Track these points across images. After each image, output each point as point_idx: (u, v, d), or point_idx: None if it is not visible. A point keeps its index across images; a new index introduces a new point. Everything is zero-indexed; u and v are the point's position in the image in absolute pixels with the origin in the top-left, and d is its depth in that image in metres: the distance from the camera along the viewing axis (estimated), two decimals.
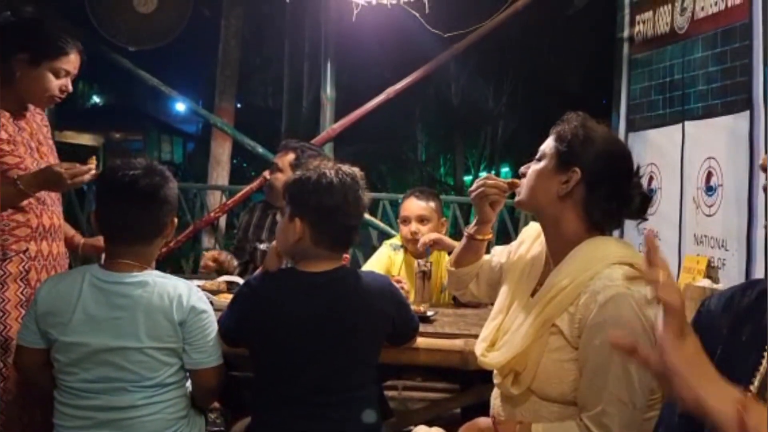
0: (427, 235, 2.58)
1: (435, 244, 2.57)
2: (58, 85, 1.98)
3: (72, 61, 2.00)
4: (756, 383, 0.85)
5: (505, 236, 4.38)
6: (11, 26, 1.96)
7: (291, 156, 2.84)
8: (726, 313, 0.96)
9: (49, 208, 2.03)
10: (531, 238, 1.64)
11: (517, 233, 3.44)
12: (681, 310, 0.75)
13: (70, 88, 2.04)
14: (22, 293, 1.91)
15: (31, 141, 2.01)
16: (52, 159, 2.10)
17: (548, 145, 1.50)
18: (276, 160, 2.90)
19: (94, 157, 1.96)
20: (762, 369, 0.86)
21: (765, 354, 0.87)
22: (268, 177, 2.91)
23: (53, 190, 2.01)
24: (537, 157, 1.52)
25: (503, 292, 1.64)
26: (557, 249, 1.48)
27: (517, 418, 1.48)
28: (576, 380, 1.39)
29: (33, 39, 1.95)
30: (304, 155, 2.77)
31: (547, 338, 1.42)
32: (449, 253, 2.57)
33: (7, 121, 1.93)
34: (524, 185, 1.52)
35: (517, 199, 1.56)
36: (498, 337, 1.56)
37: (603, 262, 1.38)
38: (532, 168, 1.51)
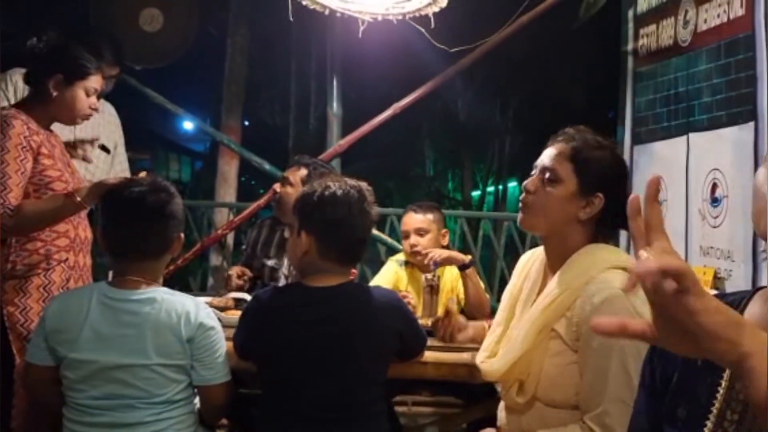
0: (436, 251, 2.59)
1: (444, 262, 2.58)
2: (88, 103, 2.12)
3: (98, 81, 2.15)
4: (714, 411, 0.80)
5: (513, 253, 4.37)
6: (44, 50, 2.07)
7: (303, 172, 2.84)
8: None
9: (84, 220, 2.13)
10: (524, 264, 1.67)
11: (525, 249, 3.42)
12: (689, 269, 0.65)
13: (98, 106, 2.20)
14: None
15: (63, 156, 2.13)
16: (78, 175, 2.20)
17: (562, 166, 1.48)
18: (287, 174, 2.90)
19: (144, 171, 2.04)
20: (720, 397, 0.81)
21: (722, 382, 0.81)
22: (278, 190, 2.92)
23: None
24: (548, 177, 1.48)
25: (502, 307, 1.67)
26: (557, 260, 1.50)
27: (524, 427, 1.48)
28: (578, 384, 1.40)
29: (67, 59, 2.07)
30: (316, 171, 2.77)
31: (548, 343, 1.44)
32: (459, 268, 2.60)
33: (45, 138, 2.04)
34: (536, 207, 1.49)
35: (527, 221, 1.52)
36: (498, 348, 1.58)
37: (598, 268, 1.42)
38: (549, 192, 1.48)
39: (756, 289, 0.87)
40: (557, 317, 1.43)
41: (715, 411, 0.80)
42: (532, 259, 1.65)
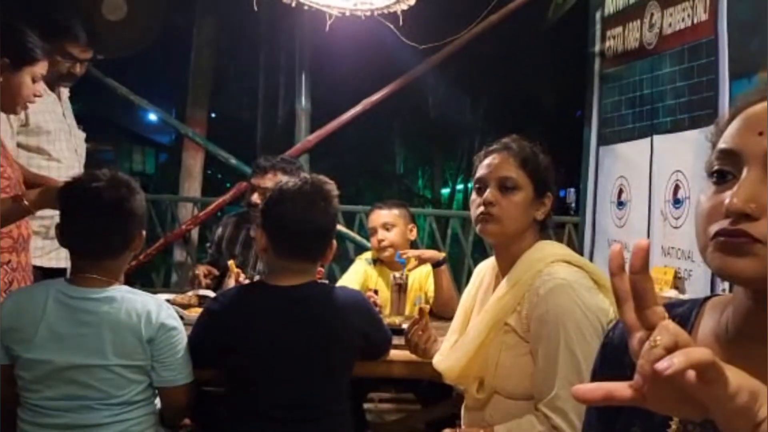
0: (418, 251, 2.63)
1: (427, 260, 2.60)
2: (33, 90, 2.05)
3: (44, 67, 2.08)
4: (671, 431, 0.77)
5: (482, 251, 4.40)
6: None
7: (280, 177, 2.74)
8: (628, 350, 0.84)
9: (25, 218, 2.03)
10: (478, 273, 1.75)
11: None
12: (715, 359, 0.57)
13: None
14: None
15: (3, 150, 2.02)
16: (17, 169, 2.09)
17: (517, 174, 1.57)
18: (264, 184, 2.73)
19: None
20: (674, 425, 0.76)
21: None
22: (257, 202, 2.79)
23: (57, 209, 2.05)
24: (507, 186, 1.56)
25: (457, 315, 1.73)
26: (510, 260, 1.58)
27: (486, 422, 1.52)
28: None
29: (13, 44, 1.99)
30: (291, 173, 2.66)
31: (503, 338, 1.51)
32: (434, 265, 2.62)
33: None
34: (502, 217, 1.55)
35: (494, 229, 1.56)
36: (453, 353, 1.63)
37: (544, 262, 1.51)
38: (510, 200, 1.56)
39: (705, 298, 0.83)
40: (509, 312, 1.51)
41: (671, 431, 0.76)
42: (484, 269, 1.73)
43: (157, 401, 1.73)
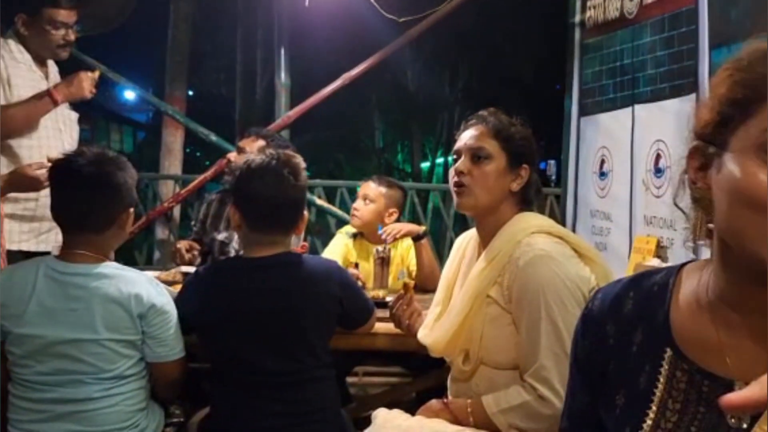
0: (391, 226, 2.61)
1: (403, 236, 2.61)
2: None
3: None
4: (655, 399, 0.77)
5: (462, 224, 4.42)
6: None
7: (260, 143, 2.82)
8: (610, 319, 0.84)
9: None
10: (459, 245, 1.76)
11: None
12: None
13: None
14: None
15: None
16: None
17: (489, 143, 1.58)
18: (243, 144, 2.88)
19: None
20: (660, 386, 0.77)
21: (662, 370, 0.77)
22: (232, 159, 2.88)
23: (28, 191, 2.06)
24: (479, 155, 1.58)
25: (440, 287, 1.75)
26: (490, 232, 1.59)
27: (473, 391, 1.54)
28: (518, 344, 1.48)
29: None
30: (273, 144, 2.76)
31: (486, 310, 1.52)
32: (414, 238, 2.64)
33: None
34: (473, 186, 1.57)
35: (468, 202, 1.59)
36: (437, 325, 1.66)
37: (523, 233, 1.52)
38: (482, 169, 1.57)
39: (681, 265, 0.83)
40: (490, 283, 1.52)
41: (656, 399, 0.77)
42: (465, 240, 1.74)
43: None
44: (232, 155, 2.94)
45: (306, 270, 1.75)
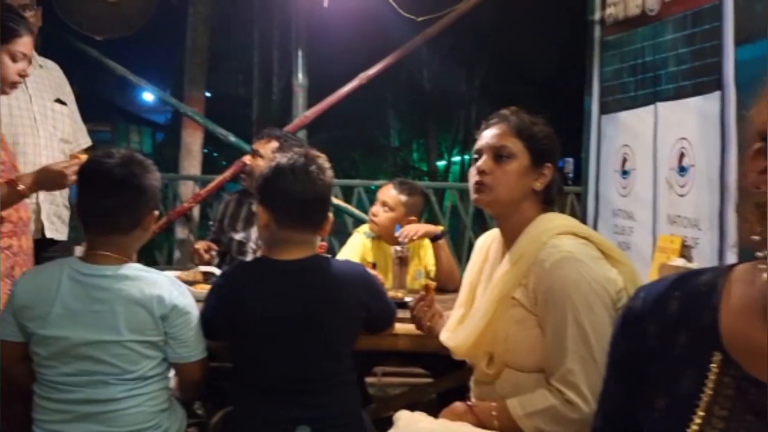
0: (408, 227, 2.58)
1: (420, 237, 2.59)
2: (16, 69, 1.95)
3: (26, 44, 1.97)
4: (702, 405, 0.74)
5: (481, 222, 4.40)
6: None
7: (274, 144, 2.83)
8: (653, 319, 0.81)
9: (24, 201, 2.01)
10: (481, 246, 1.74)
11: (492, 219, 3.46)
12: None
13: (28, 72, 2.02)
14: (9, 291, 1.85)
15: None
16: (10, 151, 2.07)
17: (511, 142, 1.56)
18: (257, 146, 2.88)
19: (85, 156, 1.95)
20: (707, 391, 0.74)
21: (709, 375, 0.74)
22: (248, 162, 2.89)
23: (54, 189, 2.02)
24: (501, 154, 1.56)
25: (463, 288, 1.73)
26: (514, 233, 1.57)
27: (497, 394, 1.52)
28: (543, 347, 1.46)
29: None
30: (287, 144, 2.77)
31: (510, 312, 1.50)
32: (432, 239, 2.62)
33: None
34: (495, 184, 1.55)
35: (486, 197, 1.57)
36: (460, 327, 1.65)
37: (548, 234, 1.50)
38: (504, 168, 1.55)
39: (728, 267, 0.81)
40: (515, 285, 1.50)
41: (702, 405, 0.74)
42: (488, 241, 1.72)
43: (171, 374, 1.74)
44: (247, 158, 2.94)
45: (335, 275, 1.74)
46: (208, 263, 2.73)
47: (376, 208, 2.74)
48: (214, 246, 2.84)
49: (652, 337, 0.81)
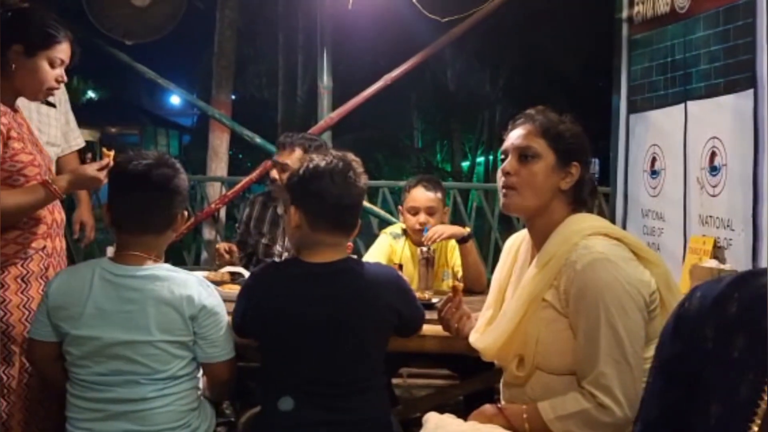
0: (435, 231, 2.56)
1: (447, 239, 2.57)
2: (54, 75, 1.96)
3: (65, 50, 1.98)
4: (760, 413, 0.71)
5: (507, 223, 4.38)
6: (3, 19, 1.92)
7: (299, 152, 2.78)
8: (710, 321, 0.77)
9: (57, 203, 2.03)
10: (510, 247, 1.73)
11: (518, 220, 3.44)
12: None
13: (65, 78, 2.02)
14: (43, 291, 1.86)
15: (30, 136, 2.00)
16: (47, 154, 2.09)
17: (536, 142, 1.55)
18: (282, 158, 2.80)
19: (112, 151, 1.96)
20: (764, 405, 0.71)
21: (766, 388, 0.71)
22: (276, 177, 2.84)
23: (87, 189, 2.03)
24: (526, 154, 1.55)
25: (492, 290, 1.72)
26: (543, 234, 1.55)
27: (528, 396, 1.51)
28: (575, 349, 1.45)
29: (26, 30, 1.92)
30: (311, 149, 2.73)
31: (541, 313, 1.49)
32: (459, 241, 2.60)
33: (11, 118, 1.91)
34: (521, 185, 1.54)
35: (514, 203, 1.56)
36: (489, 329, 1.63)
37: (579, 235, 1.48)
38: (530, 169, 1.54)
39: None
40: (545, 287, 1.49)
41: (760, 413, 0.71)
42: (517, 242, 1.70)
43: (199, 374, 1.76)
44: (274, 173, 2.89)
45: (368, 279, 1.72)
46: (230, 264, 2.74)
47: (424, 217, 2.66)
48: (234, 248, 2.85)
49: (709, 339, 0.78)
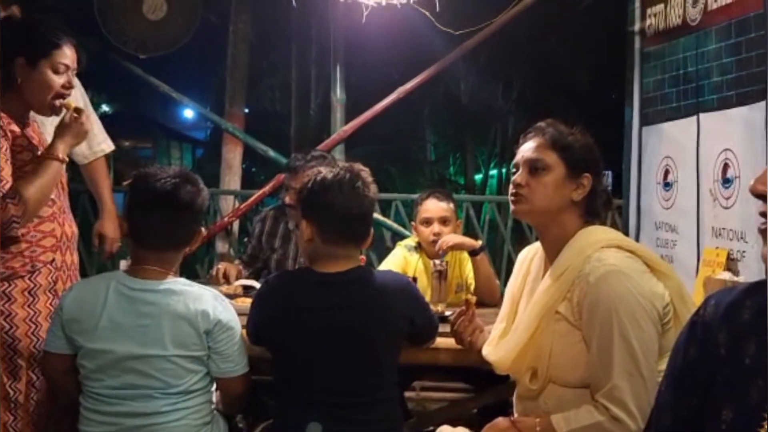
0: (444, 239, 2.56)
1: (454, 247, 2.57)
2: (60, 82, 1.90)
3: (68, 55, 1.91)
4: (766, 425, 0.72)
5: (520, 235, 4.36)
6: (4, 32, 1.87)
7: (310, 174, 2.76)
8: (724, 327, 0.80)
9: (69, 216, 2.03)
10: (522, 260, 1.73)
11: (531, 232, 3.42)
12: None
13: (73, 83, 1.95)
14: (51, 304, 1.89)
15: (41, 149, 1.94)
16: None
17: (546, 154, 1.56)
18: (294, 184, 2.74)
19: (69, 100, 1.92)
20: None
21: None
22: (290, 203, 2.84)
23: (80, 139, 1.94)
24: (536, 167, 1.56)
25: (505, 303, 1.73)
26: (556, 246, 1.55)
27: (541, 409, 1.51)
28: (588, 362, 1.44)
29: (26, 41, 1.87)
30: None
31: (554, 326, 1.49)
32: (470, 253, 2.60)
33: (14, 121, 1.86)
34: (531, 196, 1.55)
35: (523, 207, 1.58)
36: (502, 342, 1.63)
37: (593, 248, 1.48)
38: (540, 180, 1.55)
39: None
40: (559, 299, 1.49)
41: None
42: (530, 255, 1.71)
43: (213, 388, 1.76)
44: (288, 198, 2.88)
45: (380, 287, 1.73)
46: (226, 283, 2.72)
47: (438, 228, 2.66)
48: (231, 271, 2.84)
49: (722, 345, 0.80)
